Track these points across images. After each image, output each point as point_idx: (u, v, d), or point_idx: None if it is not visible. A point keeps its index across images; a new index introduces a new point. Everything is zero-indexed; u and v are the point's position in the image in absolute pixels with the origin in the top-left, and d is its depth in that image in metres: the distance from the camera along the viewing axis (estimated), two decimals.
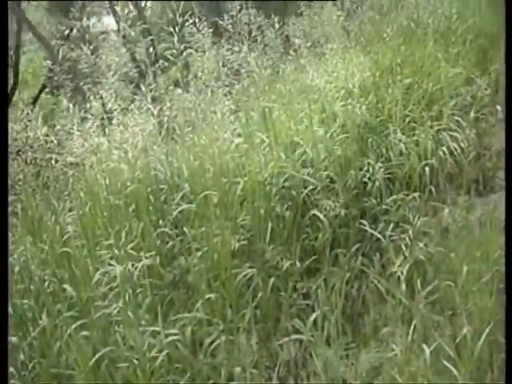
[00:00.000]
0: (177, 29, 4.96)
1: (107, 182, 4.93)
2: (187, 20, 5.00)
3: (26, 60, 34.46)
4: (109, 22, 33.58)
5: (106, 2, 32.78)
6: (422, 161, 5.51)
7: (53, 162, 4.99)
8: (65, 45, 5.41)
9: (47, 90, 23.43)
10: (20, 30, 28.61)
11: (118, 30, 5.11)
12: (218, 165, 4.75)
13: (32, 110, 4.90)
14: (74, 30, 5.36)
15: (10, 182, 4.91)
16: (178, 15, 4.94)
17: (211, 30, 5.16)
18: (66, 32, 24.96)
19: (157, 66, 5.25)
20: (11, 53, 30.12)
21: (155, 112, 5.01)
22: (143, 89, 5.10)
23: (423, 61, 6.95)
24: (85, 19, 5.20)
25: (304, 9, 8.22)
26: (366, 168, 5.32)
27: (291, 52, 5.87)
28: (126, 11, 5.19)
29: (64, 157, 4.81)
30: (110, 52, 5.13)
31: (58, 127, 4.92)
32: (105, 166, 4.80)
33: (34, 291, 4.72)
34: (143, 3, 39.84)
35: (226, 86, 5.32)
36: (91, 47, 4.92)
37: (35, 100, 24.02)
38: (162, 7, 41.52)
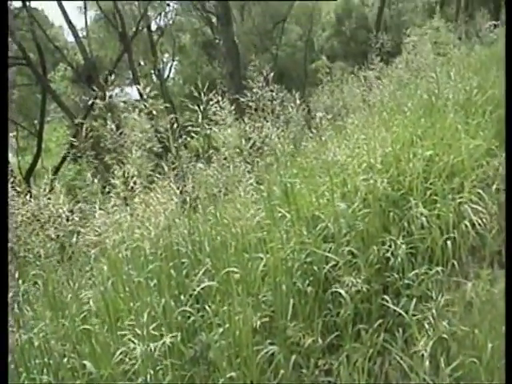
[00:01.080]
0: (201, 107, 5.05)
1: (129, 256, 4.96)
2: (211, 99, 5.09)
3: (49, 129, 35.16)
4: (131, 92, 34.39)
5: (130, 72, 33.61)
6: (444, 234, 5.47)
7: (75, 238, 5.02)
8: (86, 122, 5.46)
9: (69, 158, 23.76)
10: (45, 100, 29.22)
11: (141, 104, 5.17)
12: (241, 242, 4.77)
13: (54, 184, 4.95)
14: (98, 100, 5.44)
15: (31, 255, 4.96)
16: (203, 94, 5.03)
17: (233, 107, 5.24)
18: (90, 102, 25.42)
19: (180, 141, 5.32)
20: (36, 122, 30.82)
21: (177, 192, 5.06)
22: (166, 168, 5.17)
23: (443, 133, 6.95)
24: (108, 90, 5.28)
25: (325, 81, 8.32)
26: (388, 243, 5.30)
27: (313, 129, 5.91)
28: (150, 86, 5.25)
29: (86, 234, 4.85)
30: (134, 127, 5.21)
31: (81, 204, 4.97)
32: (127, 245, 4.84)
33: (53, 366, 4.71)
34: (165, 75, 40.74)
35: (249, 163, 5.38)
36: (115, 124, 5.01)
37: (57, 169, 24.34)
38: (184, 78, 42.45)
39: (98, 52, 34.85)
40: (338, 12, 46.11)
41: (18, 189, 4.81)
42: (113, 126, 5.05)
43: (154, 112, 5.08)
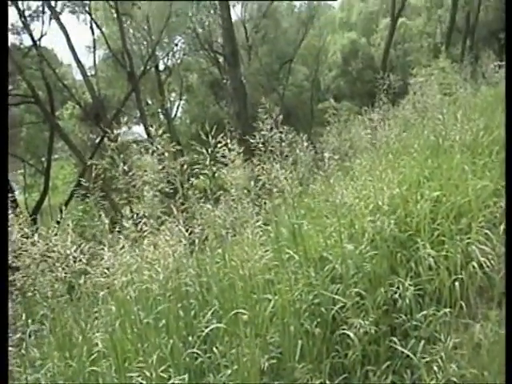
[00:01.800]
0: (209, 150, 5.10)
1: (137, 297, 4.96)
2: (220, 141, 5.15)
3: (57, 167, 35.32)
4: (138, 130, 34.60)
5: (137, 111, 33.85)
6: (452, 275, 5.45)
7: (83, 279, 5.04)
8: (96, 163, 5.52)
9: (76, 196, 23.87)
10: (52, 138, 29.43)
11: (154, 146, 5.21)
12: (249, 284, 4.78)
13: (62, 224, 4.99)
14: (109, 142, 5.49)
15: (39, 295, 4.98)
16: (210, 137, 5.09)
17: (242, 150, 5.29)
18: (97, 140, 25.54)
19: (189, 183, 5.36)
20: (43, 159, 31.04)
21: (186, 234, 5.08)
22: (175, 210, 5.19)
23: (450, 173, 6.96)
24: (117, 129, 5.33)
25: (332, 122, 8.36)
26: (395, 285, 5.29)
27: (321, 171, 5.93)
28: (161, 128, 5.30)
29: (95, 276, 4.86)
30: (145, 168, 5.25)
31: (89, 243, 4.99)
32: (136, 286, 4.85)
33: None
34: (172, 114, 40.98)
35: (257, 205, 5.41)
36: (126, 165, 5.05)
37: (65, 205, 24.40)
38: (191, 117, 42.67)
39: (106, 91, 35.15)
40: (344, 52, 46.54)
41: (27, 230, 4.85)
42: (125, 168, 5.09)
43: (166, 154, 5.12)
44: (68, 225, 4.93)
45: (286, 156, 5.73)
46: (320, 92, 45.45)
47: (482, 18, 38.34)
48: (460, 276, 5.41)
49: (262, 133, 5.53)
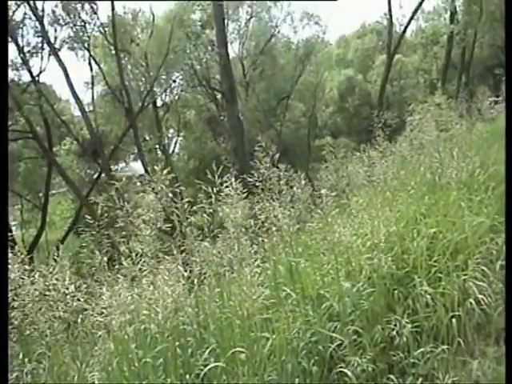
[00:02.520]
0: (215, 189, 5.15)
1: (135, 337, 4.95)
2: (226, 181, 5.19)
3: (54, 202, 35.30)
4: (135, 166, 34.60)
5: (134, 147, 33.92)
6: (449, 312, 5.44)
7: (81, 317, 5.04)
8: (97, 203, 5.55)
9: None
10: (50, 173, 29.50)
11: (158, 186, 5.23)
12: (247, 323, 4.78)
13: (57, 260, 5.00)
14: (114, 181, 5.58)
15: (37, 334, 4.98)
16: (216, 176, 5.14)
17: (244, 190, 5.33)
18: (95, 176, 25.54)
19: (188, 221, 5.38)
20: (40, 195, 31.07)
21: (185, 274, 5.09)
22: (174, 250, 5.21)
23: (447, 210, 6.99)
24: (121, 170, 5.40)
25: (329, 158, 8.40)
26: (393, 322, 5.29)
27: (318, 209, 5.97)
28: (162, 164, 5.33)
29: (93, 315, 4.86)
30: (145, 207, 5.27)
31: (87, 281, 5.00)
32: (134, 326, 4.85)
33: None
34: (170, 150, 41.10)
35: (255, 243, 5.43)
36: (128, 204, 5.08)
37: (62, 241, 24.38)
38: (189, 153, 42.76)
39: (103, 127, 35.21)
40: (341, 88, 46.84)
41: (26, 267, 4.86)
42: (125, 206, 5.11)
43: (170, 194, 5.15)
44: (66, 263, 4.94)
45: (284, 194, 5.77)
46: (317, 128, 45.70)
47: (477, 55, 38.71)
48: (457, 313, 5.41)
49: (260, 171, 5.57)
